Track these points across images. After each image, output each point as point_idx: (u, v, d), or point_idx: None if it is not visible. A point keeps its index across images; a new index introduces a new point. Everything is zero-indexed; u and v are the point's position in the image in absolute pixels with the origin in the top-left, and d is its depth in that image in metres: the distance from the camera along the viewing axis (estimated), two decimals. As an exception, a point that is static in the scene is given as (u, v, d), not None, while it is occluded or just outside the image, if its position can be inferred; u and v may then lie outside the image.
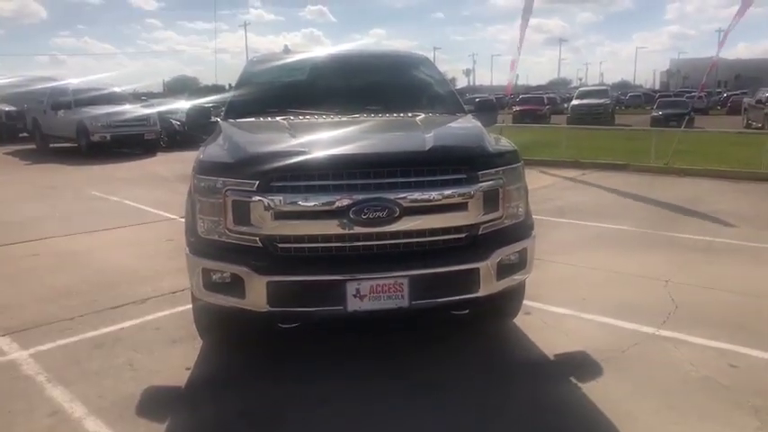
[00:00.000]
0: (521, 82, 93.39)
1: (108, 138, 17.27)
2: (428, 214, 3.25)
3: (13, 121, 22.49)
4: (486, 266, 3.37)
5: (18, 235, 7.70)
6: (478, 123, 4.20)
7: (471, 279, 3.36)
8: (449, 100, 4.98)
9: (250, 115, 4.47)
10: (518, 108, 31.75)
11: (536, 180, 11.80)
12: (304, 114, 4.36)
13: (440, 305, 3.38)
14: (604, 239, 7.14)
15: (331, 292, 3.24)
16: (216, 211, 3.35)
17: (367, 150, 3.34)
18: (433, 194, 3.24)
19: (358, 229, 3.19)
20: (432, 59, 5.64)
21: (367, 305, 3.25)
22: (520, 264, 3.62)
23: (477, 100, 5.10)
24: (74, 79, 21.29)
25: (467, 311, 3.51)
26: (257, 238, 3.27)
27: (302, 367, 3.86)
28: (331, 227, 3.21)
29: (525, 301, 4.56)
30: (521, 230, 3.64)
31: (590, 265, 6.00)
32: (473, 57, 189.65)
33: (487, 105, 4.85)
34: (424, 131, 3.68)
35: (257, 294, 3.26)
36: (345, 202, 3.15)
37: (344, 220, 3.17)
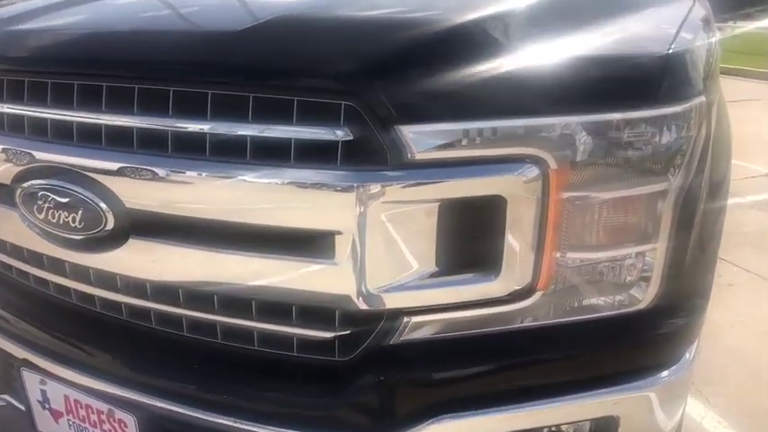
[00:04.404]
0: None
1: None
2: (205, 244, 0.98)
3: None
4: None
5: None
6: None
7: None
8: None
9: None
10: None
11: None
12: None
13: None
14: None
15: (5, 373, 1.32)
16: None
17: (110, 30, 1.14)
18: (230, 186, 0.93)
19: (51, 247, 1.14)
20: None
21: (67, 436, 1.25)
22: None
23: None
24: None
25: None
26: None
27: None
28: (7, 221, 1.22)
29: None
30: (623, 348, 1.04)
31: None
32: None
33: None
34: None
35: None
36: (11, 162, 1.11)
37: (22, 213, 1.14)
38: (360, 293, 0.93)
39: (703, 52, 1.11)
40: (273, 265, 0.95)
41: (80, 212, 1.01)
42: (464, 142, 0.88)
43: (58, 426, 1.24)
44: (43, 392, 1.22)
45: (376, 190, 0.87)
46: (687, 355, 1.11)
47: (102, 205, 0.99)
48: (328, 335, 0.98)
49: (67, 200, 1.02)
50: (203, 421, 1.03)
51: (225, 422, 1.01)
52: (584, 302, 1.02)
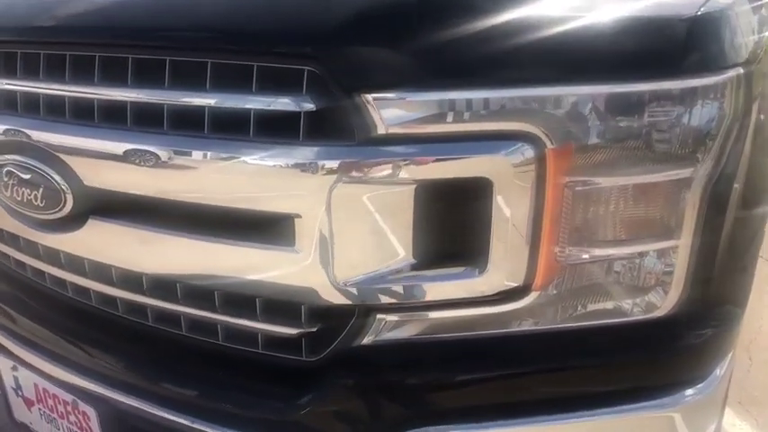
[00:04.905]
0: None
1: None
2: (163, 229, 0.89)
3: None
4: None
5: None
6: None
7: None
8: None
9: None
10: None
11: None
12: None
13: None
14: None
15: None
16: None
17: None
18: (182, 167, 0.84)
19: (21, 226, 1.08)
20: None
21: (40, 427, 1.20)
22: None
23: None
24: None
25: None
26: None
27: None
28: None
29: None
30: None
31: None
32: None
33: None
34: None
35: None
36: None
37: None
38: (325, 286, 0.82)
39: (747, 18, 0.94)
40: (233, 252, 0.85)
41: (41, 190, 0.95)
42: (445, 115, 0.75)
43: (31, 414, 1.19)
44: (16, 379, 1.18)
45: (341, 169, 0.76)
46: (718, 370, 0.96)
47: (62, 183, 0.92)
48: (293, 331, 0.87)
49: (30, 176, 0.96)
50: (162, 419, 0.95)
51: (183, 422, 0.93)
52: (592, 307, 0.88)
